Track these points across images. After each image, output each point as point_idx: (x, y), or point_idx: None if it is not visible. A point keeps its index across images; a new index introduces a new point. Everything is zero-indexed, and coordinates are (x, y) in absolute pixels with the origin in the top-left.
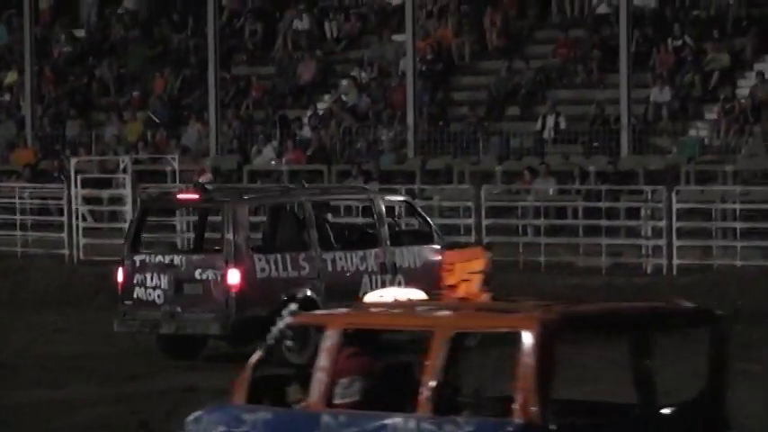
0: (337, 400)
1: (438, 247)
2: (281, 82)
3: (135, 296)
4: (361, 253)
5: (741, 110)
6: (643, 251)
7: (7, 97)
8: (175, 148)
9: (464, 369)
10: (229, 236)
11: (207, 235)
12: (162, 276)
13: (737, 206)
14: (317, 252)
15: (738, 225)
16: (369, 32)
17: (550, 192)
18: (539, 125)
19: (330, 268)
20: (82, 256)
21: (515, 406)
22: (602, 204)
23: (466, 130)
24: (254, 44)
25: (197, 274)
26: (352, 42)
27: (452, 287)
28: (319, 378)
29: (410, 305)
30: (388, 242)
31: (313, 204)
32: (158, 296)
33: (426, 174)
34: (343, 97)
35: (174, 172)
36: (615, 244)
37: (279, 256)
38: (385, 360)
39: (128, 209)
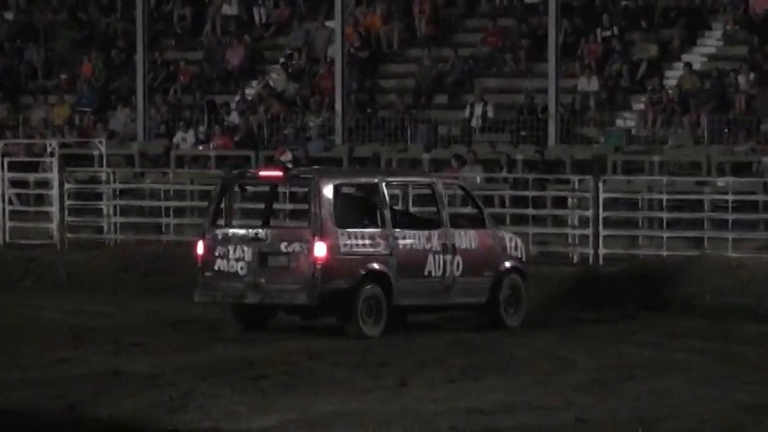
0: None
1: (490, 231)
2: (209, 67)
3: (216, 268)
4: (426, 233)
5: (668, 100)
6: (570, 240)
7: None
8: (102, 132)
9: None
10: (316, 210)
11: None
12: (245, 249)
13: (664, 196)
14: (390, 230)
15: (665, 215)
16: (298, 18)
17: (478, 180)
18: (467, 113)
19: (401, 246)
20: (8, 239)
21: None
22: (529, 193)
23: (394, 117)
24: (183, 28)
25: (283, 246)
26: (281, 28)
27: None
28: None
29: None
30: (449, 224)
31: (386, 185)
32: (241, 268)
33: (354, 161)
34: (272, 83)
35: (101, 156)
36: (542, 233)
37: (359, 232)
38: None
39: (54, 192)
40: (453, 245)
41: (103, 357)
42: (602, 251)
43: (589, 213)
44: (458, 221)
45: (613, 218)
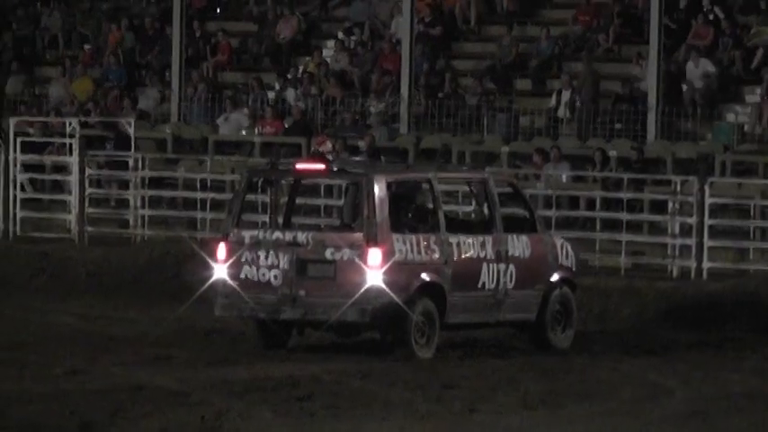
0: None
1: (543, 236)
2: (256, 41)
3: (242, 276)
4: (480, 239)
5: None
6: (669, 251)
7: None
8: (131, 111)
9: None
10: (370, 212)
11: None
12: (280, 255)
13: None
14: (444, 235)
15: None
16: None
17: (564, 178)
18: (552, 102)
19: (456, 254)
20: (19, 232)
21: None
22: (624, 195)
23: (468, 104)
24: None
25: (328, 253)
26: None
27: None
28: None
29: None
30: (502, 228)
31: (440, 182)
32: (275, 277)
33: (421, 153)
34: (328, 61)
35: (128, 138)
36: (637, 242)
37: (414, 237)
38: None
39: (73, 179)
40: (507, 252)
41: (124, 370)
42: (705, 264)
43: (692, 221)
44: (509, 226)
45: (720, 226)
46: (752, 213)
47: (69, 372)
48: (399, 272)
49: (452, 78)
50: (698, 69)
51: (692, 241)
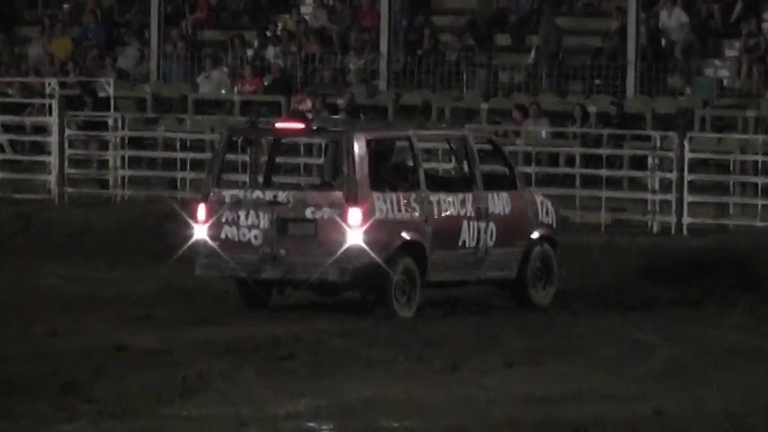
0: None
1: (523, 193)
2: None
3: (223, 236)
4: (461, 196)
5: (767, 47)
6: (649, 207)
7: None
8: (110, 71)
9: None
10: (350, 170)
11: None
12: (261, 214)
13: (759, 158)
14: (425, 193)
15: (759, 180)
16: None
17: (543, 135)
18: (532, 57)
19: (436, 212)
20: None
21: None
22: (603, 151)
23: (448, 60)
24: None
25: (308, 212)
26: None
27: None
28: None
29: None
30: (482, 186)
31: (419, 139)
32: (255, 236)
33: (401, 110)
34: (306, 18)
35: (108, 98)
36: (617, 198)
37: (394, 195)
38: None
39: (53, 140)
40: (487, 210)
41: (106, 330)
42: (686, 220)
43: (672, 176)
44: (490, 182)
45: (700, 182)
46: (731, 168)
47: (51, 332)
48: (380, 230)
49: (431, 34)
50: (671, 20)
51: (671, 197)
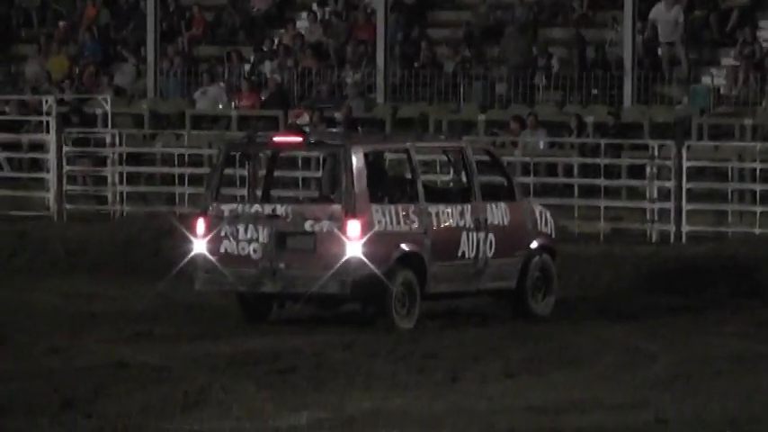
0: None
1: (521, 204)
2: (230, 14)
3: (222, 250)
4: (459, 207)
5: (763, 55)
6: (647, 216)
7: None
8: (107, 87)
9: None
10: (348, 183)
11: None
12: (260, 228)
13: (757, 165)
14: (423, 205)
15: (758, 187)
16: None
17: (541, 145)
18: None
19: (435, 223)
20: None
21: None
22: (601, 161)
23: (444, 72)
24: None
25: (307, 225)
26: None
27: None
28: None
29: None
30: (480, 197)
31: (417, 151)
32: (254, 250)
33: (398, 123)
34: (303, 32)
35: (105, 115)
36: (615, 207)
37: (392, 208)
38: None
39: (51, 157)
40: (486, 220)
41: (106, 347)
42: (684, 228)
43: (670, 185)
44: (488, 193)
45: (698, 190)
46: (729, 176)
47: (51, 349)
48: (379, 243)
49: (428, 47)
50: (669, 13)
51: (670, 205)
